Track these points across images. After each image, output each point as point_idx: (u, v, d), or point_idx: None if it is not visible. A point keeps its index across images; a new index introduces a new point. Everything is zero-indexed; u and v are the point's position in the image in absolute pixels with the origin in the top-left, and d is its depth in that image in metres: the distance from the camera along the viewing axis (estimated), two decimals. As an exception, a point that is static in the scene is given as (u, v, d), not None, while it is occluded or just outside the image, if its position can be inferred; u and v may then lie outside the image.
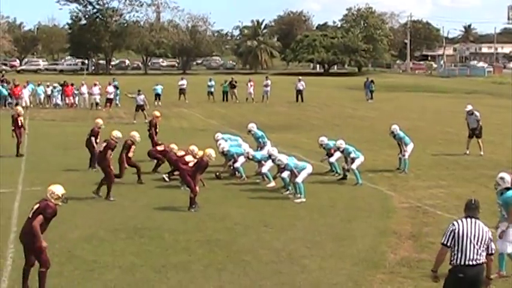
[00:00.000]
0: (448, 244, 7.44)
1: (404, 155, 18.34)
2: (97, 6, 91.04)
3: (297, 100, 42.91)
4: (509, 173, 10.30)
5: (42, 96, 39.78)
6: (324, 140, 18.04)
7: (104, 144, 15.82)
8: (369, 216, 13.77)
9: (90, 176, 17.51)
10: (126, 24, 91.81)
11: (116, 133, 16.00)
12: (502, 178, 10.07)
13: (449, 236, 7.46)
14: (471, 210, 7.65)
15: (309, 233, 12.46)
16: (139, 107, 31.96)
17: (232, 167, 17.72)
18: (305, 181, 15.41)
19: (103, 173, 15.43)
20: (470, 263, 7.37)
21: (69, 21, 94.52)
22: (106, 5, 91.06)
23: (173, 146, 17.57)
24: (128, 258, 10.96)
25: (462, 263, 7.38)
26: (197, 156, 15.46)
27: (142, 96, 32.54)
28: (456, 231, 7.44)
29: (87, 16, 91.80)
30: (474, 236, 7.44)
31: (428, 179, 17.49)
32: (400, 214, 13.92)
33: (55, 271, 10.00)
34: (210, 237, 12.19)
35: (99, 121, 19.09)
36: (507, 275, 9.83)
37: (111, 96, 38.12)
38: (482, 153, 20.96)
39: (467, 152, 21.22)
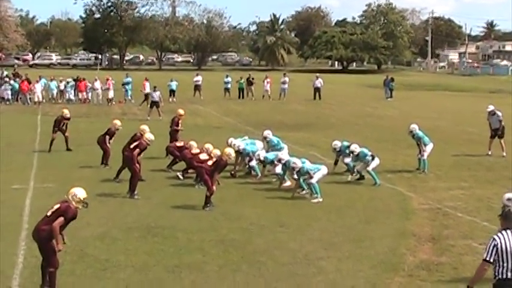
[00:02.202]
0: (492, 260, 7.21)
1: (423, 155, 18.00)
2: (112, 0, 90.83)
3: (315, 98, 42.66)
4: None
5: (55, 92, 39.68)
6: (337, 144, 17.63)
7: (135, 143, 15.62)
8: (388, 217, 13.53)
9: (103, 173, 17.46)
10: (140, 19, 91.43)
11: (149, 135, 15.83)
12: (510, 199, 9.70)
13: (492, 251, 7.20)
14: (510, 220, 7.37)
15: (325, 234, 12.27)
16: (154, 104, 31.79)
17: (247, 166, 17.47)
18: (322, 181, 15.19)
19: (129, 172, 15.32)
20: None
21: (83, 15, 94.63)
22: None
23: (192, 143, 17.35)
24: (141, 257, 10.84)
25: (508, 276, 7.18)
26: (212, 155, 15.26)
27: (158, 93, 32.38)
28: (499, 246, 7.20)
29: (101, 10, 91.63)
30: None
31: (449, 180, 17.20)
32: (420, 216, 13.67)
33: (67, 269, 9.96)
34: (224, 237, 12.03)
35: (118, 122, 18.80)
36: None
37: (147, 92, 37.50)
38: (504, 154, 20.57)
39: (490, 152, 20.87)
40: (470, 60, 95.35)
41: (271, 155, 16.75)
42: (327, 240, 11.87)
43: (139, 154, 15.50)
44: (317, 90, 43.00)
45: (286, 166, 15.65)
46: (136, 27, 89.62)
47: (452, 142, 23.81)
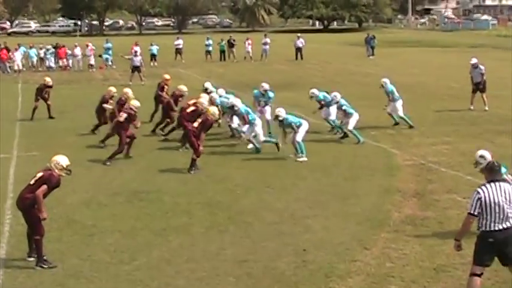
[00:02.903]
0: (476, 213, 7.27)
1: (385, 109, 18.26)
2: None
3: (297, 58, 42.42)
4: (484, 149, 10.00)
5: (34, 59, 38.94)
6: (314, 91, 17.69)
7: (124, 115, 15.23)
8: (373, 174, 13.57)
9: (87, 140, 17.32)
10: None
11: (135, 102, 15.57)
12: (482, 156, 9.71)
13: (476, 204, 7.26)
14: (495, 173, 7.44)
15: (311, 193, 12.30)
16: (136, 68, 31.41)
17: (230, 129, 17.37)
18: (306, 139, 15.15)
19: (119, 138, 15.17)
20: (500, 227, 7.25)
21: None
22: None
23: (182, 87, 17.22)
24: (128, 222, 10.83)
25: (491, 228, 7.26)
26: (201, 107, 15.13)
27: (139, 58, 31.98)
28: (483, 198, 7.25)
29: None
30: (502, 200, 7.24)
31: (433, 136, 17.23)
32: (404, 172, 13.72)
33: (54, 236, 9.94)
34: (210, 199, 12.03)
35: (112, 89, 18.09)
36: None
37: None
38: (487, 108, 20.62)
39: (472, 107, 20.91)
40: (453, 16, 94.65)
41: (243, 108, 16.19)
42: (312, 199, 11.91)
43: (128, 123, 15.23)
44: (298, 50, 42.73)
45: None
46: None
47: (435, 98, 23.83)
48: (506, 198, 7.25)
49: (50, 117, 20.97)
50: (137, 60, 31.66)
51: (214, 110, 14.54)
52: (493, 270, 7.89)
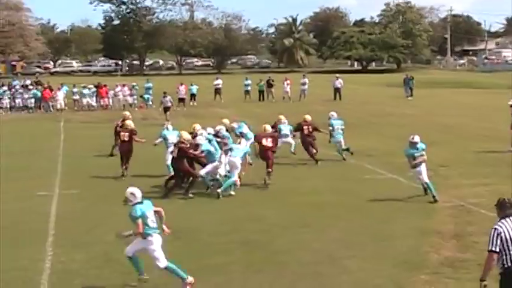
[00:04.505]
0: (498, 250, 7.18)
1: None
2: (130, 6, 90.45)
3: (335, 98, 42.50)
4: None
5: (80, 98, 39.49)
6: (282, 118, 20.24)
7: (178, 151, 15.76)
8: (409, 215, 13.47)
9: (126, 178, 17.51)
10: (159, 24, 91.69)
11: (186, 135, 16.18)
12: (132, 194, 9.80)
13: (496, 241, 7.19)
14: (508, 209, 7.39)
15: (348, 234, 12.24)
16: (167, 109, 32.03)
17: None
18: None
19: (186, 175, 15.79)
20: None
21: (102, 22, 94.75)
22: (139, 4, 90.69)
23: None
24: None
25: None
26: None
27: (168, 97, 32.69)
28: (502, 234, 7.19)
29: (120, 16, 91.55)
30: None
31: (472, 177, 17.03)
32: (443, 213, 13.57)
33: (93, 274, 10.09)
34: (247, 238, 12.07)
35: (186, 135, 16.16)
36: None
37: (183, 96, 38.37)
38: (526, 149, 20.33)
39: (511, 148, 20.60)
40: (493, 57, 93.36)
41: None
42: (349, 239, 11.85)
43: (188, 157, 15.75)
44: (337, 90, 42.87)
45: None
46: (155, 32, 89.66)
47: (473, 139, 23.64)
48: None
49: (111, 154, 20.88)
50: (167, 101, 32.41)
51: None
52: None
